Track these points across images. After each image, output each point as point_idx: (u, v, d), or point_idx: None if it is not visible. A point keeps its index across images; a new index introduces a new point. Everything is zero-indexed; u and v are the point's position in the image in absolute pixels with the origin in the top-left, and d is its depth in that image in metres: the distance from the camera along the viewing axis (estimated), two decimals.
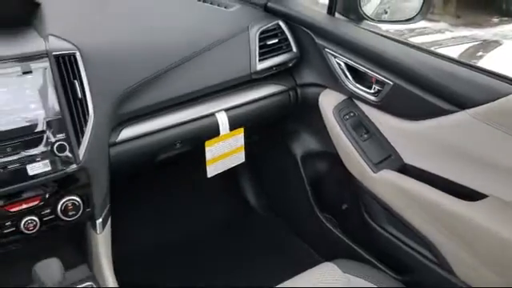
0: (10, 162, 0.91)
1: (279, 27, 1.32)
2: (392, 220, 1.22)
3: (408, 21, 1.27)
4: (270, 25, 1.30)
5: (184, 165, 1.58)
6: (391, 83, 1.13)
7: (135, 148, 1.13)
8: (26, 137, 0.92)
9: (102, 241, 1.10)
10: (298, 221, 1.64)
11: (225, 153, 1.31)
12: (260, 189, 1.80)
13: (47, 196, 0.98)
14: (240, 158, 1.36)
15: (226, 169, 1.35)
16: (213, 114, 1.23)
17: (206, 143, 1.26)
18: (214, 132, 1.25)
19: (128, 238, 1.18)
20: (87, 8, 1.18)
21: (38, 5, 1.00)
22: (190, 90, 1.18)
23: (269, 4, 1.36)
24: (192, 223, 1.76)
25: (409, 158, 1.16)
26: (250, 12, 1.35)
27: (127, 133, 1.11)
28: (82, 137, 0.97)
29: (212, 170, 1.31)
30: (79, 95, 0.97)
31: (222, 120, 1.25)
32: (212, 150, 1.28)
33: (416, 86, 1.08)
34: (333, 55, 1.24)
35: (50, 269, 0.90)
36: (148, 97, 1.11)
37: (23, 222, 0.96)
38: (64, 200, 0.99)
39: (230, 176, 1.75)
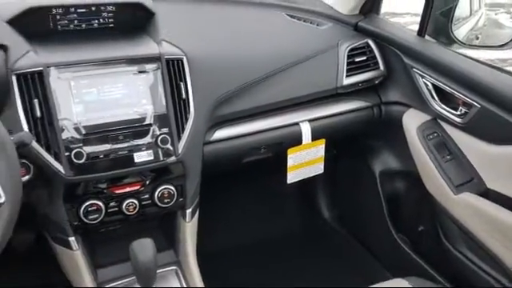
0: (121, 149, 1.03)
1: (368, 46, 1.37)
2: (469, 243, 1.21)
3: (500, 47, 1.26)
4: (359, 43, 1.36)
5: (263, 172, 1.66)
6: (479, 106, 1.13)
7: (226, 148, 1.23)
8: (136, 128, 1.04)
9: (189, 230, 1.19)
10: (370, 237, 1.65)
11: (305, 161, 1.37)
12: (335, 202, 1.83)
13: (147, 183, 1.09)
14: (319, 168, 1.41)
15: (305, 177, 1.40)
16: (297, 124, 1.30)
17: (289, 151, 1.33)
18: (296, 141, 1.32)
19: (203, 235, 1.27)
20: (194, 20, 1.31)
21: (153, 14, 1.14)
22: (279, 99, 1.26)
23: (359, 23, 1.42)
24: (265, 229, 1.82)
25: (492, 183, 1.15)
26: (340, 30, 1.42)
27: (220, 134, 1.21)
28: (183, 133, 1.08)
29: (292, 177, 1.38)
30: (183, 96, 1.08)
31: (305, 130, 1.31)
32: (293, 157, 1.34)
33: (504, 110, 1.08)
34: (420, 75, 1.26)
35: (145, 247, 1.00)
36: (241, 102, 1.21)
37: (125, 204, 1.07)
38: (161, 188, 1.10)
39: (306, 187, 1.80)
